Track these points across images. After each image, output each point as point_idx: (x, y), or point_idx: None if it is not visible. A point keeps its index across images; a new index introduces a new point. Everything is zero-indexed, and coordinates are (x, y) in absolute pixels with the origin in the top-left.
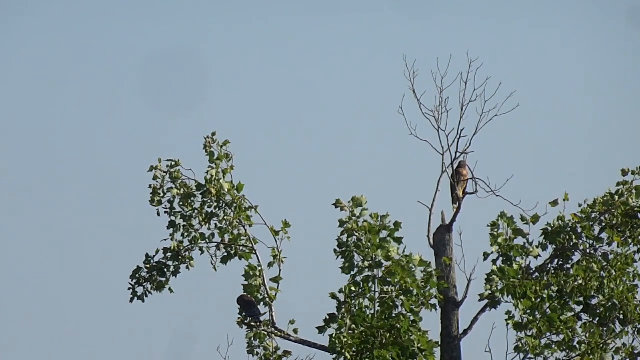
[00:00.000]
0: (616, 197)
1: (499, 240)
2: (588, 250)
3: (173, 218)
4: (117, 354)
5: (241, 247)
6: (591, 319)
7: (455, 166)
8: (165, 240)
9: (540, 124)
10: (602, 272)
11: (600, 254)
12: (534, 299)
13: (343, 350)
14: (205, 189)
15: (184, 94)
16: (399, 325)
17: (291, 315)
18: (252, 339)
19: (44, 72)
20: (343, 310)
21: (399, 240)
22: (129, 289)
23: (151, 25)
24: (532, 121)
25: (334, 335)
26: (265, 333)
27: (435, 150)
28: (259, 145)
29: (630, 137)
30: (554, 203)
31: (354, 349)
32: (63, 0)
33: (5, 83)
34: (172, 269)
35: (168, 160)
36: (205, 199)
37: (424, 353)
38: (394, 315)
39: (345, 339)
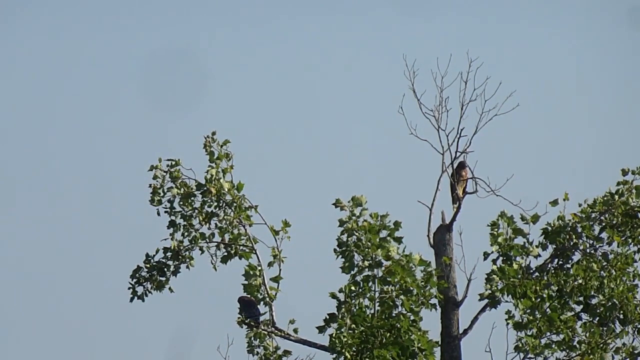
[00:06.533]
0: (616, 197)
1: (499, 239)
2: (588, 250)
3: (173, 217)
4: (117, 354)
5: (241, 247)
6: (591, 319)
7: (455, 166)
8: (165, 239)
9: (540, 123)
10: (602, 272)
11: (600, 253)
12: (534, 299)
13: (343, 350)
14: (205, 188)
15: (184, 94)
16: (399, 325)
17: (291, 315)
18: (252, 338)
19: (44, 72)
20: (343, 309)
21: (398, 240)
22: (129, 288)
23: (151, 25)
24: (532, 121)
25: (334, 335)
26: (265, 333)
27: (435, 149)
28: (259, 145)
29: (630, 137)
30: (554, 203)
31: (354, 348)
32: (63, 0)
33: (5, 83)
34: (172, 268)
35: (168, 160)
36: (205, 199)
37: (424, 353)
38: (394, 314)
39: (345, 339)
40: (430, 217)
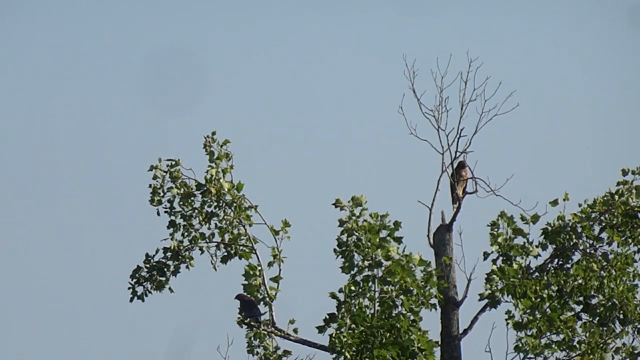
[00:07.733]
0: (616, 197)
1: (499, 239)
2: (588, 250)
3: (173, 218)
4: (117, 354)
5: (241, 247)
6: (591, 319)
7: (455, 166)
8: (165, 239)
9: (540, 123)
10: (602, 272)
11: (600, 253)
12: (533, 299)
13: (343, 350)
14: (205, 188)
15: (184, 93)
16: (398, 325)
17: (291, 315)
18: (252, 338)
19: (44, 72)
20: (343, 309)
21: (398, 240)
22: (129, 288)
23: (151, 25)
24: (532, 121)
25: (333, 335)
26: (265, 333)
27: (435, 149)
28: (259, 145)
29: (630, 137)
30: (554, 203)
31: (353, 348)
32: (63, 0)
33: (4, 83)
34: (172, 268)
35: (168, 160)
36: (205, 199)
37: (423, 353)
38: (393, 314)
39: (345, 339)
40: (430, 217)
